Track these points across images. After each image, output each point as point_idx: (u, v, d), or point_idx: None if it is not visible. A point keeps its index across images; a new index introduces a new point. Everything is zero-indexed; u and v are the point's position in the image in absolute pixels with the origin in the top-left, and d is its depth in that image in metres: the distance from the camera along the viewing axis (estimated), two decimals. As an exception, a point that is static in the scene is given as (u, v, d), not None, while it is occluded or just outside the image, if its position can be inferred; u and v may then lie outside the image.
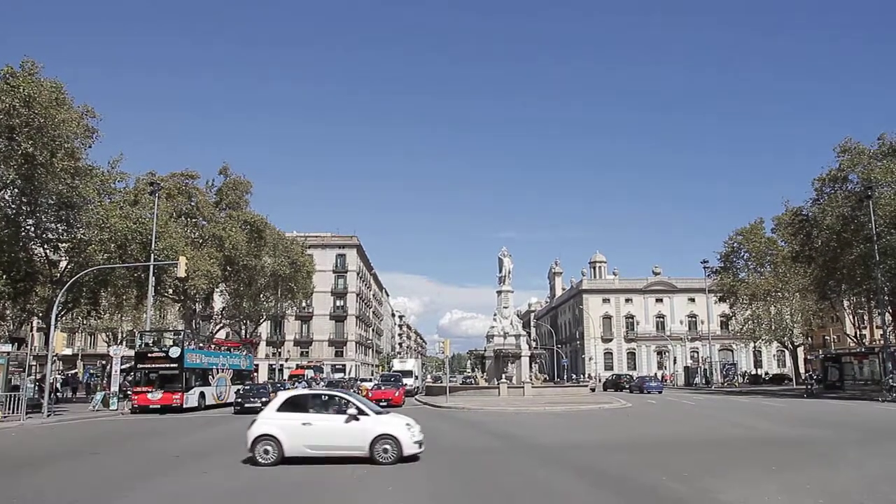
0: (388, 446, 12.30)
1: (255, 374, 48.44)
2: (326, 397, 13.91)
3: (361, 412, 12.71)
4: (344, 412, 12.75)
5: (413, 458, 12.45)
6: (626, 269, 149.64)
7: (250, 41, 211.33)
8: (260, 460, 12.26)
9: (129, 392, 32.60)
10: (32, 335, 55.50)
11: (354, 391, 37.27)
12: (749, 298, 55.36)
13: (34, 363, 42.28)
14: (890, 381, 34.19)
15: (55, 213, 30.62)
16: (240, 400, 29.56)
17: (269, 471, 11.93)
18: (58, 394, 37.15)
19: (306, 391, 17.85)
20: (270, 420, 12.70)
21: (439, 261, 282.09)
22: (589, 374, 78.51)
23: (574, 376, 77.31)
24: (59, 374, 51.20)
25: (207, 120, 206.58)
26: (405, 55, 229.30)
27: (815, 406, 30.44)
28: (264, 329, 76.53)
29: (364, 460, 12.21)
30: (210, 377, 33.48)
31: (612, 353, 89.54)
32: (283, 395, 13.79)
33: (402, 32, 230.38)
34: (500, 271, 45.39)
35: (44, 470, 12.85)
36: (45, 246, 32.08)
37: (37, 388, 31.32)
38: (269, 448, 12.33)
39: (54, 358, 31.53)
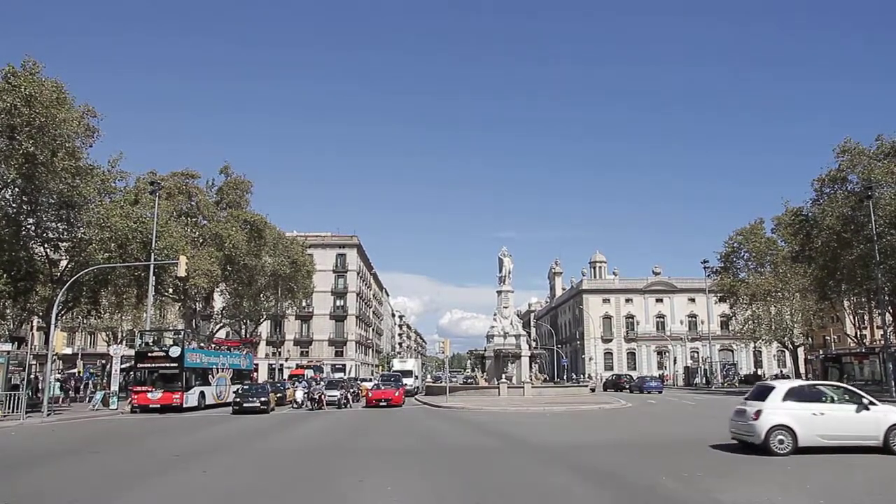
0: None
1: (255, 373, 48.40)
2: (832, 387, 14.04)
3: (871, 402, 12.85)
4: (856, 402, 12.87)
5: None
6: (626, 269, 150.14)
7: (250, 41, 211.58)
8: (775, 450, 12.39)
9: (129, 391, 32.62)
10: (32, 334, 55.55)
11: (354, 391, 37.62)
12: (749, 298, 55.28)
13: (34, 362, 42.30)
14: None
15: (56, 212, 30.66)
16: (238, 399, 29.51)
17: (272, 466, 11.89)
18: (60, 393, 37.09)
19: (808, 382, 17.02)
20: (781, 410, 12.72)
21: (439, 260, 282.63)
22: (589, 374, 78.44)
23: (574, 376, 77.29)
24: (58, 372, 51.20)
25: (207, 120, 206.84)
26: (405, 55, 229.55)
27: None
28: (264, 329, 76.53)
29: (876, 450, 12.45)
30: (210, 377, 33.47)
31: (612, 353, 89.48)
32: (784, 386, 13.66)
33: (402, 32, 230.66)
34: (501, 271, 45.38)
35: (43, 469, 12.83)
36: (46, 245, 32.08)
37: (30, 387, 31.19)
38: (783, 438, 12.48)
39: (54, 357, 31.51)
